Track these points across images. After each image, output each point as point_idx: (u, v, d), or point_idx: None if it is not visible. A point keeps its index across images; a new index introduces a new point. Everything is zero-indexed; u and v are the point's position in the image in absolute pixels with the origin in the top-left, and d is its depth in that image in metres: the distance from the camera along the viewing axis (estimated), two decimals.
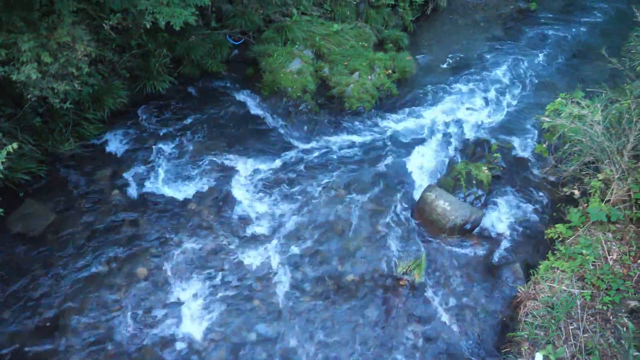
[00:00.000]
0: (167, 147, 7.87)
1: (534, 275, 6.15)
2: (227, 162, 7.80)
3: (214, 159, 7.82)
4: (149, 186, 7.29)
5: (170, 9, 7.44)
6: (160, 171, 7.53)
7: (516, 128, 9.11)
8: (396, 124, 9.00)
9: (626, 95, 6.68)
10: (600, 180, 6.42)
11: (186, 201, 7.17)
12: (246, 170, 7.72)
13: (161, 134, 8.07)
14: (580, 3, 13.63)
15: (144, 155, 7.70)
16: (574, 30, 12.33)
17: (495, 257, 6.95)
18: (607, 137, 6.27)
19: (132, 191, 7.18)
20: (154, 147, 7.83)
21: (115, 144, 7.79)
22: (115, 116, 8.04)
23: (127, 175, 7.37)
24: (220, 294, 6.08)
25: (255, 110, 8.77)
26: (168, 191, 7.28)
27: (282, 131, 8.51)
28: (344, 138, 8.59)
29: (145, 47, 8.24)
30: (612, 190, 6.30)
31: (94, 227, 6.62)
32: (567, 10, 13.22)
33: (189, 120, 8.36)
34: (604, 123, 6.35)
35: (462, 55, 11.07)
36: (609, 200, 6.35)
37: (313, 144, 8.39)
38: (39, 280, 5.94)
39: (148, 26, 7.32)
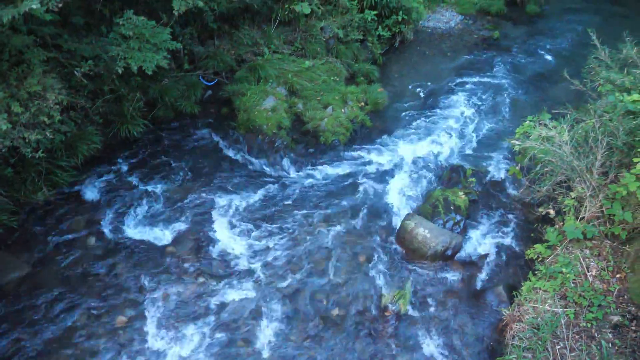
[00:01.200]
0: (144, 191, 7.80)
1: (517, 297, 6.18)
2: (205, 202, 7.76)
3: (192, 199, 7.77)
4: (126, 231, 7.18)
5: (142, 54, 7.53)
6: (138, 215, 7.44)
7: (489, 152, 9.31)
8: (372, 154, 9.11)
9: (590, 114, 6.93)
10: (573, 198, 6.56)
11: (165, 244, 7.07)
12: (225, 209, 7.68)
13: (137, 177, 8.01)
14: (539, 29, 14.21)
15: (120, 200, 7.62)
16: (535, 55, 12.81)
17: (479, 281, 6.98)
18: (575, 156, 6.45)
19: (109, 238, 7.06)
20: (130, 191, 7.75)
21: (90, 191, 7.69)
22: (89, 162, 7.97)
23: (104, 222, 7.26)
24: (203, 340, 5.93)
25: (231, 148, 8.80)
26: (146, 235, 7.17)
27: (259, 168, 8.54)
28: (321, 171, 8.65)
29: (118, 92, 8.25)
30: (586, 207, 6.44)
31: (70, 277, 6.45)
32: (528, 37, 13.74)
33: (164, 163, 8.33)
34: (572, 143, 6.54)
35: (431, 85, 11.36)
36: (584, 217, 6.47)
37: (291, 179, 8.42)
38: (11, 336, 5.71)
39: (120, 71, 7.37)
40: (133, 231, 7.21)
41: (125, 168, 8.15)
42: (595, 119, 6.58)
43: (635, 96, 6.23)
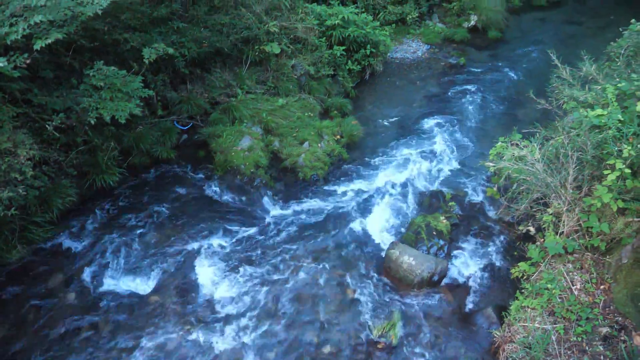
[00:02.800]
0: (123, 241, 7.66)
1: (506, 317, 6.16)
2: (186, 247, 7.64)
3: (173, 245, 7.65)
4: (107, 284, 7.01)
5: (114, 103, 7.55)
6: (118, 266, 7.28)
7: (466, 175, 9.45)
8: (351, 186, 9.16)
9: (559, 131, 7.12)
10: (550, 214, 6.66)
11: (148, 293, 6.91)
12: (207, 253, 7.57)
13: (115, 227, 7.88)
14: (502, 53, 14.71)
15: (99, 252, 7.45)
16: (501, 78, 13.21)
17: (467, 305, 6.95)
18: (548, 173, 6.59)
19: (89, 292, 6.86)
20: (108, 242, 7.60)
21: (67, 245, 7.51)
22: (65, 216, 7.82)
23: (83, 276, 7.06)
24: None
25: (209, 191, 8.75)
26: (128, 286, 7.02)
27: (239, 208, 8.49)
28: (302, 207, 8.64)
29: (91, 143, 8.21)
30: (564, 222, 6.53)
31: (49, 337, 6.21)
32: (492, 61, 14.21)
33: (142, 210, 8.22)
34: (544, 160, 6.69)
35: (404, 113, 11.58)
36: (563, 232, 6.56)
37: (272, 217, 8.38)
38: None
39: (93, 122, 7.35)
40: (114, 283, 7.04)
41: (102, 219, 8.02)
42: (564, 135, 6.77)
43: (598, 111, 6.44)
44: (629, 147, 5.87)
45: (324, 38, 11.84)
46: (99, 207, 8.21)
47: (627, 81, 6.82)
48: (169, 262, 7.37)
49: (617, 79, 7.24)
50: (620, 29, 8.93)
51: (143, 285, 7.04)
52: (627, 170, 5.88)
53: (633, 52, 8.11)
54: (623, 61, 8.03)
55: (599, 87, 7.25)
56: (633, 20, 8.73)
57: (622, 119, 6.27)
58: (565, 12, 17.85)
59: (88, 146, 8.21)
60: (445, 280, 7.23)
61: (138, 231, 7.85)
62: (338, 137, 10.07)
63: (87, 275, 7.09)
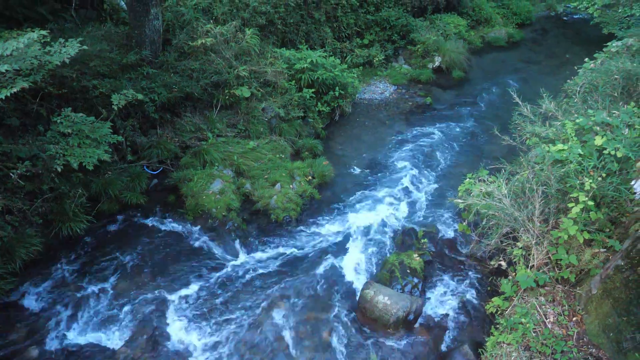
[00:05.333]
0: (90, 291, 7.40)
1: (483, 354, 6.14)
2: (156, 295, 7.43)
3: (142, 294, 7.42)
4: (73, 338, 6.71)
5: (82, 150, 7.47)
6: (85, 318, 7.01)
7: (437, 211, 9.57)
8: (324, 227, 9.15)
9: (523, 166, 7.35)
10: (520, 248, 6.76)
11: (117, 346, 6.63)
12: (178, 300, 7.37)
13: (82, 277, 7.62)
14: (467, 92, 15.23)
15: (64, 304, 7.17)
16: (467, 115, 13.63)
17: (444, 343, 6.91)
18: (516, 207, 6.74)
19: (54, 347, 6.55)
20: (75, 293, 7.33)
21: (31, 297, 7.22)
22: (29, 266, 7.53)
23: (47, 330, 6.76)
24: None
25: (180, 236, 8.58)
26: (95, 339, 6.73)
27: (211, 253, 8.34)
28: (275, 249, 8.56)
29: (58, 190, 8.02)
30: (533, 255, 6.64)
31: None
32: (458, 100, 14.68)
33: (111, 259, 8.00)
34: (510, 195, 6.86)
35: (374, 152, 11.75)
36: (533, 265, 6.65)
37: (244, 261, 8.26)
38: None
39: (60, 169, 7.23)
40: (81, 336, 6.75)
41: (68, 269, 7.76)
42: (529, 170, 6.98)
43: (559, 146, 6.69)
44: (590, 180, 6.08)
45: (294, 81, 12.06)
46: (65, 256, 7.96)
47: (585, 117, 7.14)
48: (138, 312, 7.13)
49: (575, 115, 7.57)
50: (576, 67, 9.41)
51: (112, 337, 6.77)
52: (591, 203, 6.07)
53: (588, 89, 8.53)
54: (580, 98, 8.44)
55: (559, 123, 7.57)
56: (586, 60, 9.23)
57: (582, 153, 6.52)
58: (523, 52, 18.71)
59: (54, 193, 8.02)
60: (421, 319, 7.19)
61: (106, 281, 7.61)
62: (310, 177, 10.12)
63: (51, 329, 6.79)
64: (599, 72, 8.23)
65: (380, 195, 10.10)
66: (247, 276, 7.90)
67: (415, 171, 10.93)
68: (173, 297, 7.41)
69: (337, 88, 12.48)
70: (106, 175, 8.92)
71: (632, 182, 6.15)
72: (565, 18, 22.65)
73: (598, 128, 6.79)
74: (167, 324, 6.99)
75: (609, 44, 9.67)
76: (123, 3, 10.70)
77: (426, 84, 15.63)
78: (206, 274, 7.88)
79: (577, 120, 7.06)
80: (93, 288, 7.44)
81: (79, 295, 7.32)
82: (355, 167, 11.17)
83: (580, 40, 19.25)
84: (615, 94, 7.78)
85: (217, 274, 7.89)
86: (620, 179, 6.29)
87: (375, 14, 16.01)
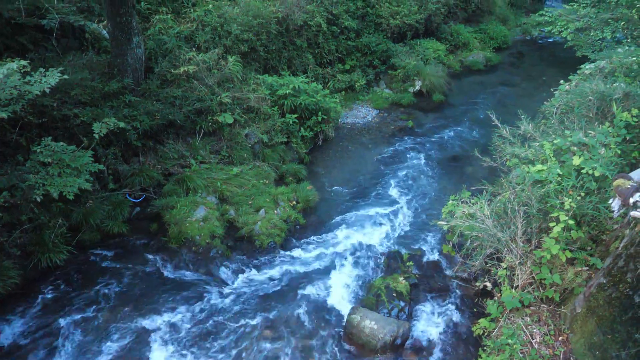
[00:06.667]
0: (71, 324, 7.20)
1: None
2: (140, 326, 7.26)
3: (126, 325, 7.25)
4: None
5: (63, 179, 7.39)
6: (65, 353, 6.79)
7: (421, 234, 9.60)
8: (309, 252, 9.10)
9: (505, 187, 7.44)
10: (504, 268, 6.80)
11: None
12: (162, 330, 7.22)
13: (62, 310, 7.42)
14: (448, 115, 15.45)
15: (45, 338, 6.96)
16: (448, 138, 13.81)
17: None
18: (498, 228, 6.80)
19: None
20: (55, 327, 7.12)
21: (9, 333, 6.99)
22: (6, 300, 7.33)
23: None
24: None
25: (163, 265, 8.45)
26: None
27: (194, 281, 8.21)
28: (260, 276, 8.46)
29: (37, 220, 7.89)
30: (517, 275, 6.67)
31: None
32: (439, 123, 14.87)
33: (92, 290, 7.82)
34: (493, 216, 6.92)
35: (358, 176, 11.81)
36: (518, 285, 6.68)
37: (229, 289, 8.14)
38: None
39: (39, 199, 7.12)
40: None
41: (48, 302, 7.55)
42: (510, 191, 7.07)
43: (538, 166, 6.80)
44: (570, 200, 6.18)
45: (277, 107, 12.14)
46: (44, 289, 7.76)
47: (562, 137, 7.29)
48: (120, 343, 6.96)
49: (553, 136, 7.73)
50: (552, 90, 9.64)
51: None
52: (571, 222, 6.16)
53: (564, 110, 8.73)
54: (556, 119, 8.62)
55: (537, 144, 7.71)
56: (562, 82, 9.47)
57: (561, 173, 6.64)
58: (501, 75, 19.13)
59: (33, 224, 7.88)
60: (408, 343, 7.14)
61: (87, 313, 7.42)
62: (294, 203, 10.11)
63: None
64: (574, 94, 8.44)
65: (364, 218, 10.11)
66: (232, 304, 7.78)
67: (398, 194, 10.99)
68: (156, 327, 7.26)
69: (319, 113, 12.58)
70: (87, 204, 8.80)
71: (610, 201, 6.27)
72: (540, 41, 23.28)
73: (575, 148, 6.93)
74: (151, 355, 6.82)
75: (582, 66, 9.95)
76: (105, 32, 10.74)
77: (408, 108, 15.83)
78: (190, 303, 7.74)
79: (555, 141, 7.20)
80: (73, 321, 7.25)
81: (59, 328, 7.12)
82: (339, 191, 11.19)
83: (556, 63, 19.78)
84: (591, 115, 7.97)
85: (201, 303, 7.76)
86: (599, 198, 6.41)
87: (356, 40, 16.29)
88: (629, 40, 12.40)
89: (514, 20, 24.68)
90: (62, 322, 7.21)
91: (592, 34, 14.61)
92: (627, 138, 7.19)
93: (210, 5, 12.62)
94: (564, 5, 17.91)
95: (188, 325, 7.34)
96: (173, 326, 7.31)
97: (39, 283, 7.85)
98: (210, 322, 7.44)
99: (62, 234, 8.22)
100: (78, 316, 7.34)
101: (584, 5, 15.84)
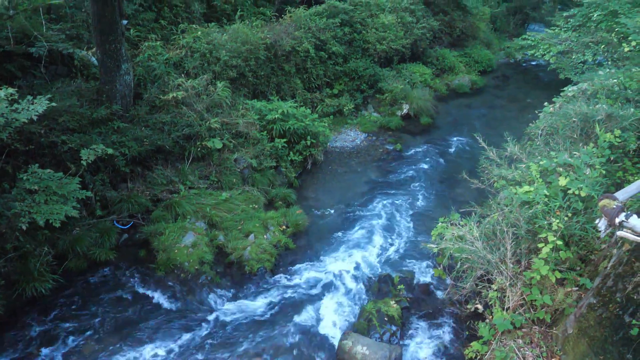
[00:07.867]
0: (56, 355, 7.02)
1: None
2: (127, 356, 7.10)
3: (112, 356, 7.09)
4: None
5: (49, 207, 7.30)
6: None
7: (412, 256, 9.58)
8: (299, 277, 9.02)
9: (493, 209, 7.49)
10: (495, 290, 6.79)
11: None
12: None
13: (48, 340, 7.24)
14: (435, 138, 15.62)
15: None
16: (436, 160, 13.93)
17: None
18: (488, 250, 6.81)
19: None
20: (39, 358, 6.94)
21: None
22: None
23: None
24: None
25: (151, 293, 8.30)
26: None
27: (183, 309, 8.07)
28: (250, 302, 8.35)
29: (22, 249, 7.75)
30: (508, 297, 6.66)
31: None
32: (427, 145, 15.00)
33: (78, 319, 7.66)
34: (482, 238, 6.94)
35: (347, 200, 11.81)
36: (509, 307, 6.66)
37: (218, 316, 8.01)
38: None
39: (25, 227, 7.01)
40: None
41: (33, 332, 7.37)
42: (498, 212, 7.11)
43: (525, 188, 6.86)
44: (557, 220, 6.23)
45: (265, 131, 12.19)
46: (28, 319, 7.58)
47: (548, 159, 7.39)
48: None
49: (539, 157, 7.83)
50: (537, 112, 9.80)
51: None
52: (560, 242, 6.19)
53: (549, 131, 8.86)
54: (542, 140, 8.75)
55: (524, 165, 7.79)
56: (546, 103, 9.64)
57: (547, 194, 6.70)
58: (487, 97, 19.44)
59: (18, 252, 7.74)
60: None
61: (73, 343, 7.26)
62: (284, 227, 10.07)
63: None
64: (558, 116, 8.58)
65: (354, 242, 10.08)
66: (222, 331, 7.66)
67: (388, 217, 11.00)
68: (144, 356, 7.10)
69: (308, 137, 12.64)
70: (74, 231, 8.70)
71: (597, 221, 6.32)
72: (524, 64, 23.78)
73: (561, 169, 7.01)
74: None
75: (565, 88, 10.14)
76: (94, 59, 10.78)
77: (396, 131, 15.97)
78: (179, 331, 7.60)
79: (541, 162, 7.29)
80: (59, 351, 7.08)
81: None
82: (329, 215, 11.18)
83: (540, 85, 20.18)
84: (575, 136, 8.10)
85: (190, 331, 7.62)
86: (585, 218, 6.46)
87: (343, 65, 16.51)
88: (609, 62, 12.70)
89: (498, 44, 25.25)
90: (45, 355, 7.02)
91: (574, 56, 14.96)
92: (611, 158, 7.31)
93: (199, 32, 12.75)
94: (546, 30, 18.33)
95: (176, 354, 7.18)
96: (161, 355, 7.15)
97: (23, 314, 7.67)
98: (200, 349, 7.30)
99: (48, 262, 8.09)
100: (62, 348, 7.16)
101: (565, 29, 16.29)
